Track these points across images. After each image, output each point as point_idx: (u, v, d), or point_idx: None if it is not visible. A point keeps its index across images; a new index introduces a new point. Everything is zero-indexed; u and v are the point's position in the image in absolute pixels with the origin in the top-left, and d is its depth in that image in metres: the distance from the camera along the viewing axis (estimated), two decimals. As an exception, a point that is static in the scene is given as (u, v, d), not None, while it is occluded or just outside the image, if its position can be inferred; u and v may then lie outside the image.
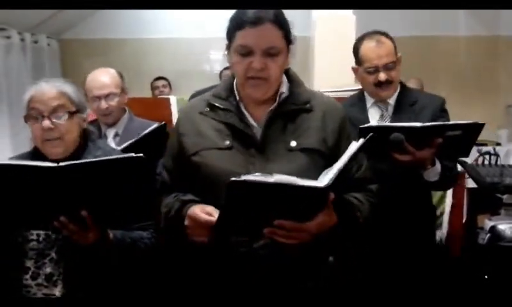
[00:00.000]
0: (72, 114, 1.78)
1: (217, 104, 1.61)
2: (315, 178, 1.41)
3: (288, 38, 1.56)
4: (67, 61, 5.82)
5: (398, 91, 2.28)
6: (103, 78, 2.61)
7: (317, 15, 3.76)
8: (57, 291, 1.74)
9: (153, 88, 5.49)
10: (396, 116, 2.24)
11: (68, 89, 1.80)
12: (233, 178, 1.30)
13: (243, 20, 1.51)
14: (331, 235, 1.50)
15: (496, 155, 3.57)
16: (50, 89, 1.77)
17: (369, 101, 2.32)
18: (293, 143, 1.54)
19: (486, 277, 2.91)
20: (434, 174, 2.08)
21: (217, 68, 5.69)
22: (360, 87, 3.07)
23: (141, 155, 1.53)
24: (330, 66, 3.54)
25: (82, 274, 1.74)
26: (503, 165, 3.22)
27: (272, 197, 1.33)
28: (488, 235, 2.98)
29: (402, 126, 1.99)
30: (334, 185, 1.35)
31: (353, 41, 3.69)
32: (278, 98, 1.59)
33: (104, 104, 2.56)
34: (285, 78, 1.64)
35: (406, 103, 2.26)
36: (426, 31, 5.72)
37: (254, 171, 1.44)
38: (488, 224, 3.04)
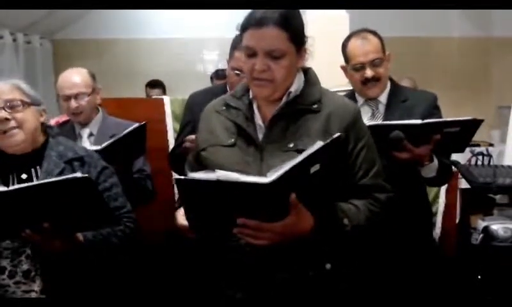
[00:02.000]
0: (26, 104, 1.82)
1: (231, 103, 1.65)
2: None
3: (297, 40, 1.54)
4: (60, 61, 5.79)
5: (389, 89, 2.28)
6: (73, 78, 2.63)
7: (310, 14, 3.77)
8: (36, 287, 1.75)
9: (147, 95, 5.37)
10: (388, 114, 2.24)
11: (22, 84, 1.86)
12: (177, 176, 1.33)
13: (248, 21, 1.52)
14: (320, 241, 1.48)
15: (489, 155, 3.59)
16: (4, 84, 1.83)
17: (360, 100, 2.31)
18: (290, 144, 1.54)
19: (479, 277, 2.92)
20: (432, 171, 2.08)
21: (210, 69, 5.69)
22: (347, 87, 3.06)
23: (86, 175, 1.58)
24: (323, 66, 3.53)
25: (60, 267, 1.75)
26: (496, 166, 3.23)
27: (222, 194, 1.32)
28: (481, 235, 3.00)
29: (402, 124, 1.98)
30: (287, 183, 1.31)
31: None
32: (285, 98, 1.58)
33: (73, 103, 2.58)
34: (300, 78, 1.62)
35: (398, 100, 2.25)
36: (419, 32, 5.74)
37: (249, 170, 1.45)
38: (481, 224, 3.05)
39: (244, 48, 1.55)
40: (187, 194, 1.37)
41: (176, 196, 2.60)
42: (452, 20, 5.85)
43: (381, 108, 2.27)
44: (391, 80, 2.31)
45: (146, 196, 2.58)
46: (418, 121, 1.96)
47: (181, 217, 1.53)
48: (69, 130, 2.62)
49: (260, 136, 1.58)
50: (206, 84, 4.89)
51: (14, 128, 1.78)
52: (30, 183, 1.60)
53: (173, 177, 1.35)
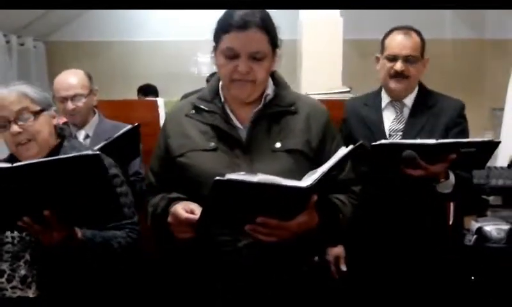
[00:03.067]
0: (37, 113, 1.78)
1: (202, 106, 1.63)
2: (299, 178, 1.42)
3: (274, 42, 1.56)
4: (54, 63, 5.78)
5: (416, 93, 2.24)
6: (70, 79, 2.61)
7: (305, 17, 3.77)
8: (30, 293, 1.74)
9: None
10: (412, 119, 2.20)
11: (28, 89, 1.80)
12: (218, 177, 1.31)
13: (230, 23, 1.52)
14: (314, 235, 1.51)
15: (482, 157, 3.59)
16: (10, 93, 1.76)
17: (385, 100, 2.27)
18: (277, 144, 1.56)
19: (472, 278, 2.93)
20: (447, 187, 2.05)
21: (205, 71, 5.69)
22: (348, 89, 3.06)
23: (97, 152, 1.53)
24: (318, 69, 3.55)
25: (55, 275, 1.73)
26: (489, 167, 3.24)
27: (256, 196, 1.34)
28: (475, 236, 3.00)
29: (415, 144, 1.95)
30: (317, 186, 1.37)
31: (340, 44, 3.71)
32: (263, 100, 1.61)
33: (70, 105, 2.57)
34: (270, 81, 1.65)
35: (424, 105, 2.21)
36: (413, 34, 5.77)
37: (240, 171, 1.44)
38: (475, 225, 3.06)
39: (224, 50, 1.54)
40: (219, 195, 1.35)
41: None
42: (445, 22, 5.88)
43: (406, 112, 2.23)
44: (420, 84, 2.27)
45: (141, 199, 2.56)
46: (432, 141, 1.92)
47: (181, 209, 1.49)
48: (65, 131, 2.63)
49: (243, 138, 1.58)
50: (200, 85, 4.87)
51: (27, 141, 1.75)
52: (34, 160, 1.53)
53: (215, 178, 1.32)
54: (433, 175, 1.99)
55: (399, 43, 2.18)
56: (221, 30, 1.54)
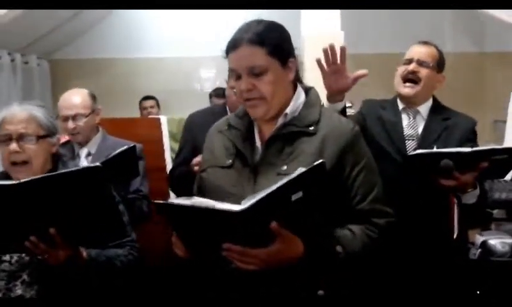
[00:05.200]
0: (40, 138, 1.79)
1: (232, 123, 1.64)
2: None
3: (277, 54, 1.52)
4: (57, 81, 5.82)
5: (431, 104, 2.29)
6: (73, 99, 2.65)
7: (306, 31, 3.80)
8: None
9: (141, 108, 5.42)
10: (428, 127, 2.24)
11: (39, 113, 1.82)
12: (156, 201, 1.32)
13: (227, 45, 1.54)
14: (304, 265, 1.43)
15: (486, 170, 3.58)
16: (21, 112, 1.79)
17: (400, 105, 2.32)
18: (284, 167, 1.50)
19: (477, 292, 2.91)
20: (473, 197, 2.06)
21: (207, 87, 5.71)
22: (349, 105, 3.08)
23: (98, 164, 1.53)
24: (319, 83, 3.55)
25: (57, 297, 1.72)
26: (492, 181, 3.24)
27: (200, 220, 1.31)
28: (479, 250, 2.99)
29: (451, 152, 1.96)
30: (261, 210, 1.26)
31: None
32: (282, 119, 1.57)
33: (70, 124, 2.60)
34: (299, 98, 1.60)
35: (439, 117, 2.25)
36: (414, 48, 5.79)
37: (243, 192, 1.43)
38: (479, 239, 3.05)
39: (230, 72, 1.56)
40: (170, 218, 1.37)
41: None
42: (446, 35, 5.90)
43: (419, 119, 2.27)
44: (434, 98, 2.32)
45: (141, 216, 2.55)
46: (468, 149, 1.93)
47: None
48: (69, 149, 2.63)
49: (257, 158, 1.56)
50: (203, 102, 4.90)
51: (23, 163, 1.76)
52: (38, 176, 1.54)
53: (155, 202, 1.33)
54: (463, 185, 1.98)
55: (416, 48, 2.28)
56: (226, 53, 1.56)
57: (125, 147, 2.42)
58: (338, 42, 3.75)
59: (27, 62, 5.27)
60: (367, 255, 1.54)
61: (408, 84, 2.24)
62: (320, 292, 1.51)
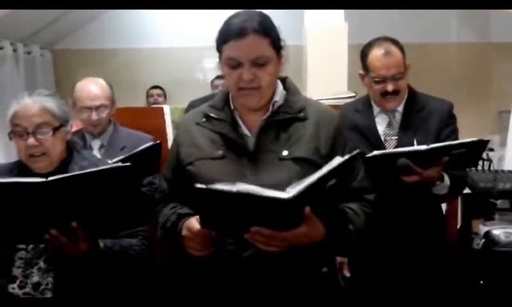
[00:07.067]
0: (55, 129, 1.79)
1: (212, 115, 1.63)
2: None
3: (276, 45, 1.55)
4: (60, 71, 5.81)
5: (405, 98, 2.27)
6: (94, 89, 2.59)
7: (309, 23, 3.78)
8: None
9: (148, 96, 5.51)
10: (404, 124, 2.23)
11: (51, 103, 1.81)
12: (198, 185, 1.33)
13: (228, 33, 1.52)
14: (322, 247, 1.49)
15: (489, 160, 3.58)
16: (33, 104, 1.77)
17: (376, 108, 2.30)
18: (285, 152, 1.54)
19: (481, 282, 2.91)
20: (443, 188, 2.10)
21: (211, 77, 5.70)
22: (353, 94, 3.08)
23: (128, 164, 1.55)
24: (323, 75, 3.55)
25: (73, 283, 1.74)
26: (496, 171, 3.23)
27: (240, 205, 1.33)
28: (483, 240, 3.00)
29: (408, 151, 2.00)
30: (303, 198, 1.33)
31: (345, 49, 3.71)
32: (271, 107, 1.60)
33: (94, 116, 2.54)
34: (280, 87, 1.64)
35: (414, 110, 2.24)
36: (417, 39, 5.73)
37: (245, 181, 1.43)
38: (483, 229, 3.05)
39: (226, 60, 1.54)
40: (203, 203, 1.37)
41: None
42: (450, 26, 5.87)
43: (398, 116, 2.26)
44: (408, 87, 2.30)
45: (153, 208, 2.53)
46: (423, 147, 1.97)
47: (195, 221, 1.49)
48: (80, 137, 2.58)
49: (250, 146, 1.57)
50: (206, 91, 4.89)
51: (41, 154, 1.76)
52: (68, 174, 1.55)
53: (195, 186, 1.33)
54: (428, 179, 2.02)
55: (383, 64, 2.17)
56: (221, 41, 1.54)
57: (151, 143, 2.40)
58: (342, 34, 3.76)
59: (30, 53, 5.26)
60: (368, 231, 1.61)
61: (389, 97, 2.21)
62: (325, 269, 1.58)
